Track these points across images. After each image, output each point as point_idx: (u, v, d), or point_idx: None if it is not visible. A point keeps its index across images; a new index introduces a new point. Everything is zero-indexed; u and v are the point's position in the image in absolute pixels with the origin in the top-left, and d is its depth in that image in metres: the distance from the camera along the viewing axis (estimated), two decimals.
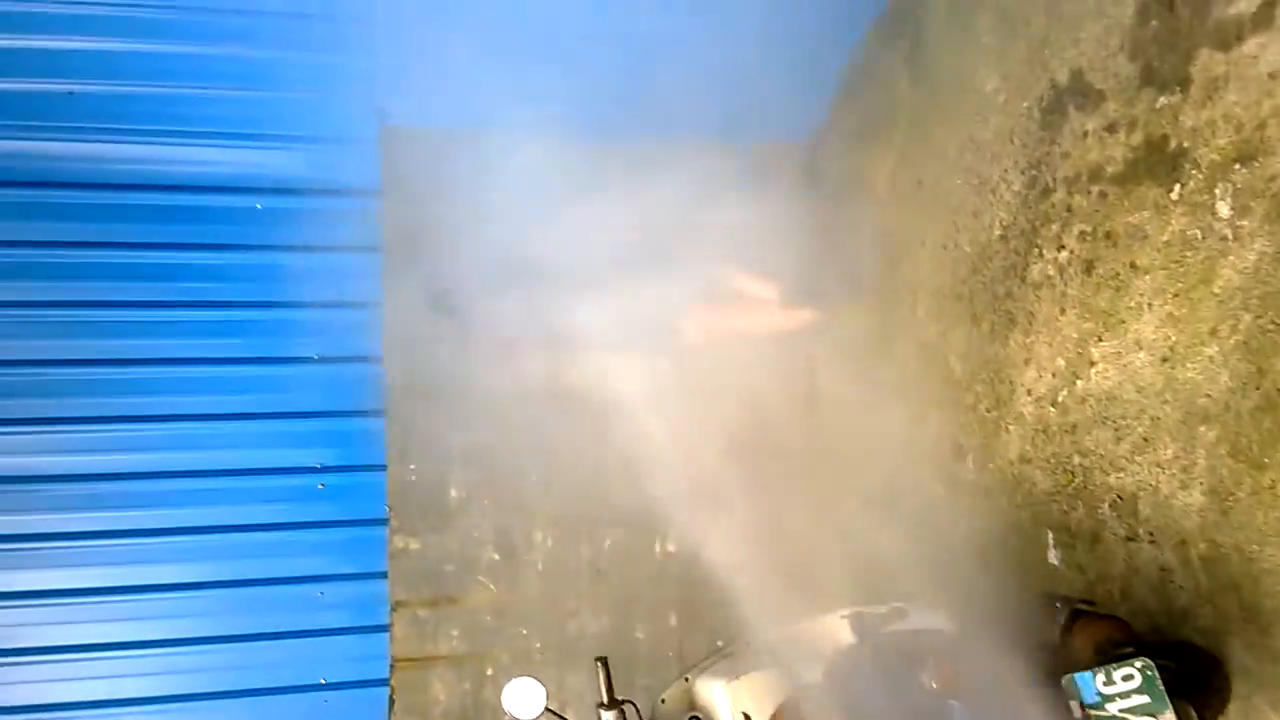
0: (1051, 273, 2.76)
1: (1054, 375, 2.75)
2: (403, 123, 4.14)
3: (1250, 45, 2.12)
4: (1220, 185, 2.18)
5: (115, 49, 3.59)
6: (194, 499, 4.02)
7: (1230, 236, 2.15)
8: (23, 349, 3.84)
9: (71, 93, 3.69)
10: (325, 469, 4.15)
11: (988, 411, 3.09)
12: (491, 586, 4.36)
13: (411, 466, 4.25)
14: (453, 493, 4.29)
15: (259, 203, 4.03)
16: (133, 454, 3.96)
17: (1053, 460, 2.76)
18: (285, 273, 4.05)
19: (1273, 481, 2.02)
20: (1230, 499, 2.14)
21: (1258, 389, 2.07)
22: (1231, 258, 2.15)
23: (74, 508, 3.91)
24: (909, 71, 3.54)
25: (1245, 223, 2.11)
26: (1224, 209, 2.17)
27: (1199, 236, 2.24)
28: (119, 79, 3.70)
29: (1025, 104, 2.89)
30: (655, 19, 3.71)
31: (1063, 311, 2.71)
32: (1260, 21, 2.11)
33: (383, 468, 4.18)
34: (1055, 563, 2.75)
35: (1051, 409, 2.77)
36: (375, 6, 3.56)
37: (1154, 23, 2.38)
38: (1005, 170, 2.99)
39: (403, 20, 3.63)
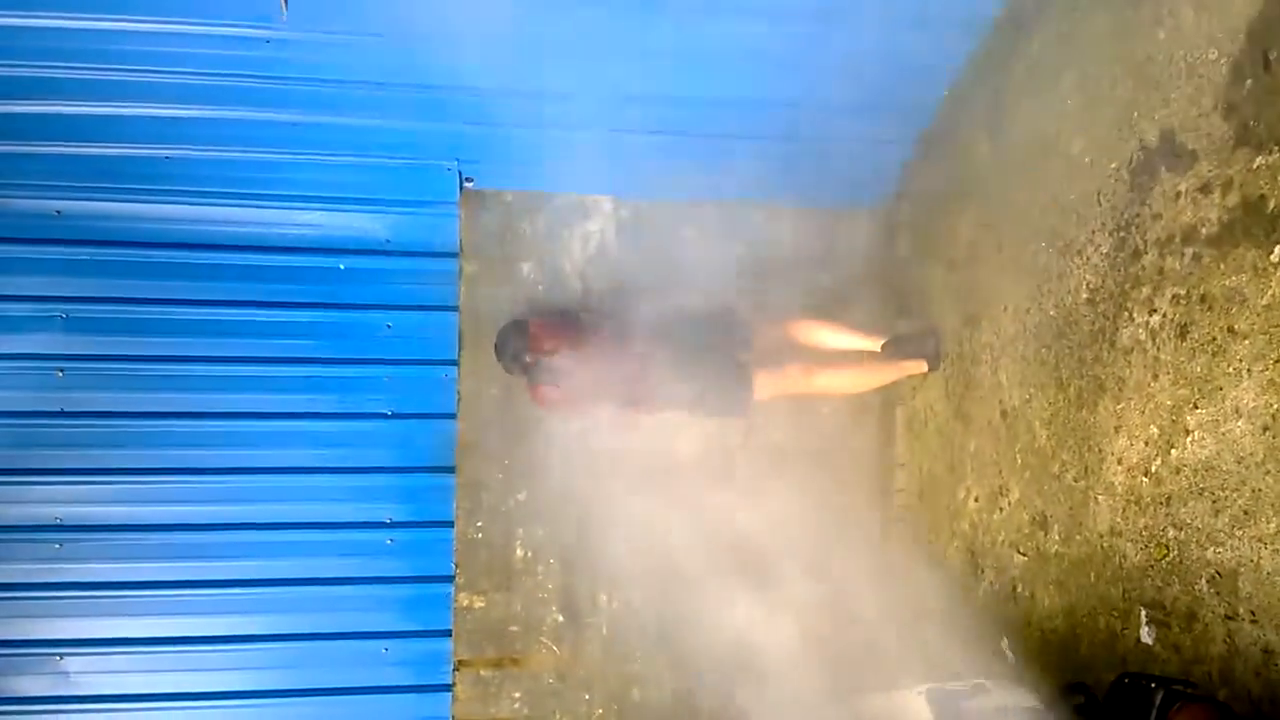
0: (1143, 337, 2.66)
1: (1146, 444, 2.64)
2: (483, 185, 4.23)
3: None
4: None
5: (210, 116, 3.73)
6: (264, 551, 4.07)
7: None
8: (109, 401, 3.96)
9: (169, 157, 3.85)
10: (394, 524, 4.16)
11: (1075, 481, 2.97)
12: (555, 649, 4.30)
13: (479, 524, 4.25)
14: (519, 551, 4.27)
15: (342, 263, 4.12)
16: (206, 505, 4.03)
17: (1145, 533, 2.63)
18: (364, 331, 4.14)
19: None
20: None
21: None
22: None
23: (146, 558, 3.99)
24: (989, 134, 3.50)
25: None
26: None
27: None
28: (211, 145, 3.84)
29: (1113, 165, 2.83)
30: (736, 83, 3.74)
31: (1155, 377, 2.61)
32: None
33: (450, 524, 4.18)
34: (1149, 641, 2.60)
35: (1144, 479, 2.64)
36: (459, 74, 3.65)
37: (1249, 81, 2.31)
38: (1092, 233, 2.92)
39: (486, 88, 3.72)
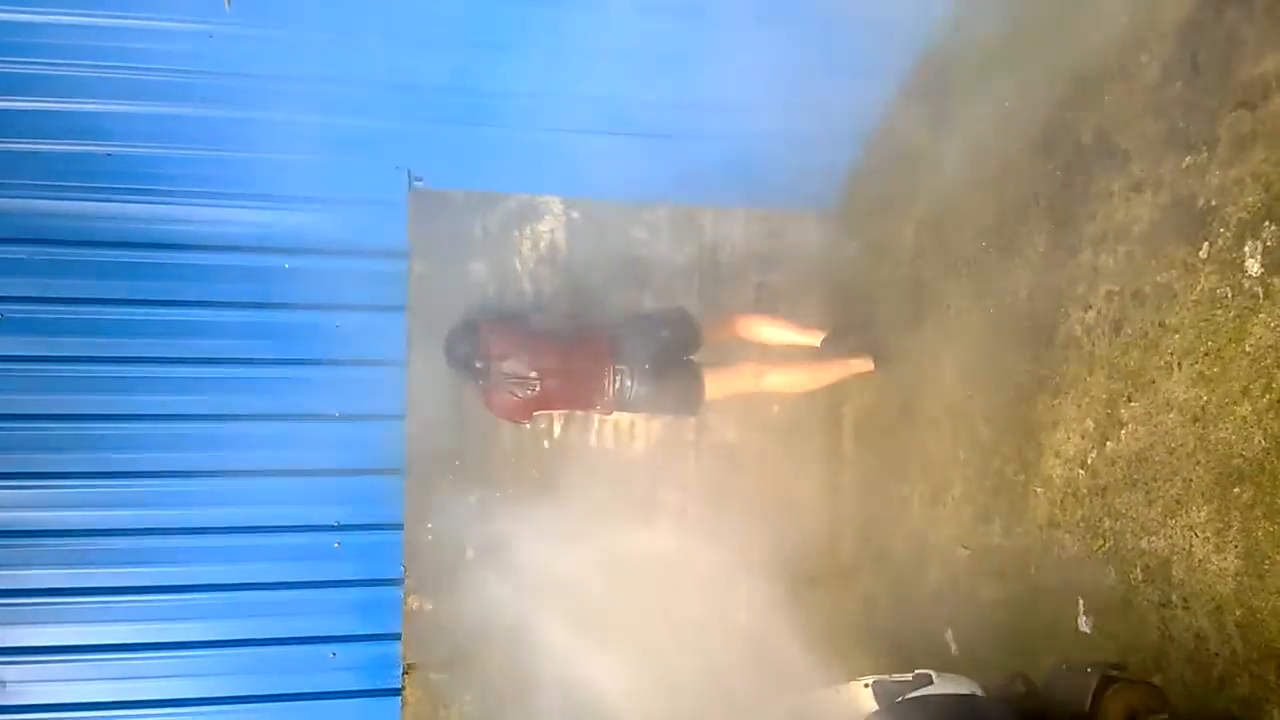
0: (1079, 333, 2.73)
1: (1083, 437, 2.70)
2: (431, 185, 4.21)
3: (1277, 103, 2.13)
4: (1250, 243, 2.16)
5: (151, 112, 3.65)
6: (208, 556, 3.99)
7: (1261, 294, 2.13)
8: (46, 404, 3.87)
9: (109, 154, 3.77)
10: (342, 527, 4.11)
11: (1015, 475, 3.04)
12: (506, 650, 4.28)
13: (429, 525, 4.21)
14: (469, 553, 4.24)
15: (288, 263, 4.07)
16: (148, 509, 3.94)
17: (1083, 524, 2.70)
18: (311, 331, 4.08)
19: None
20: (1266, 562, 2.08)
21: None
22: (1263, 315, 2.12)
23: (86, 563, 3.89)
24: (932, 135, 3.57)
25: (1276, 280, 2.09)
26: (1254, 266, 2.15)
27: (1229, 294, 2.21)
28: (154, 141, 3.76)
29: (1049, 166, 2.90)
30: (683, 85, 3.77)
31: (1091, 372, 2.67)
32: None
33: (399, 526, 4.15)
34: (1086, 630, 2.66)
35: (1081, 471, 2.71)
36: (407, 72, 3.63)
37: (1178, 84, 2.39)
38: (1030, 232, 2.99)
39: (434, 86, 3.70)
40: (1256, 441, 2.12)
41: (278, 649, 4.05)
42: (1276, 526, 2.06)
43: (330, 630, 4.09)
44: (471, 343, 3.86)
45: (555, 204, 4.38)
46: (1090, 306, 2.68)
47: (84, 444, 3.90)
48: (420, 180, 4.19)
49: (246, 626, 4.02)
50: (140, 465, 3.94)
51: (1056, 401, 2.83)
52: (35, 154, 3.71)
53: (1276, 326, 2.08)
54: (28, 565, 3.85)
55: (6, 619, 3.84)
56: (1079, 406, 2.72)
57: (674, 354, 3.87)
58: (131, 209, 3.89)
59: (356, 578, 4.14)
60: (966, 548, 3.31)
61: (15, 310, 3.83)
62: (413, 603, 4.20)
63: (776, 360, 4.02)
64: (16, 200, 3.78)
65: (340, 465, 4.11)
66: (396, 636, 4.15)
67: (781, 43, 3.57)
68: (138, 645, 3.94)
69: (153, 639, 3.95)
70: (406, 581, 4.17)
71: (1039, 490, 2.91)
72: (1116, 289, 2.58)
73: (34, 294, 3.85)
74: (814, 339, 4.03)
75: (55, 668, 3.88)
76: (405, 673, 4.17)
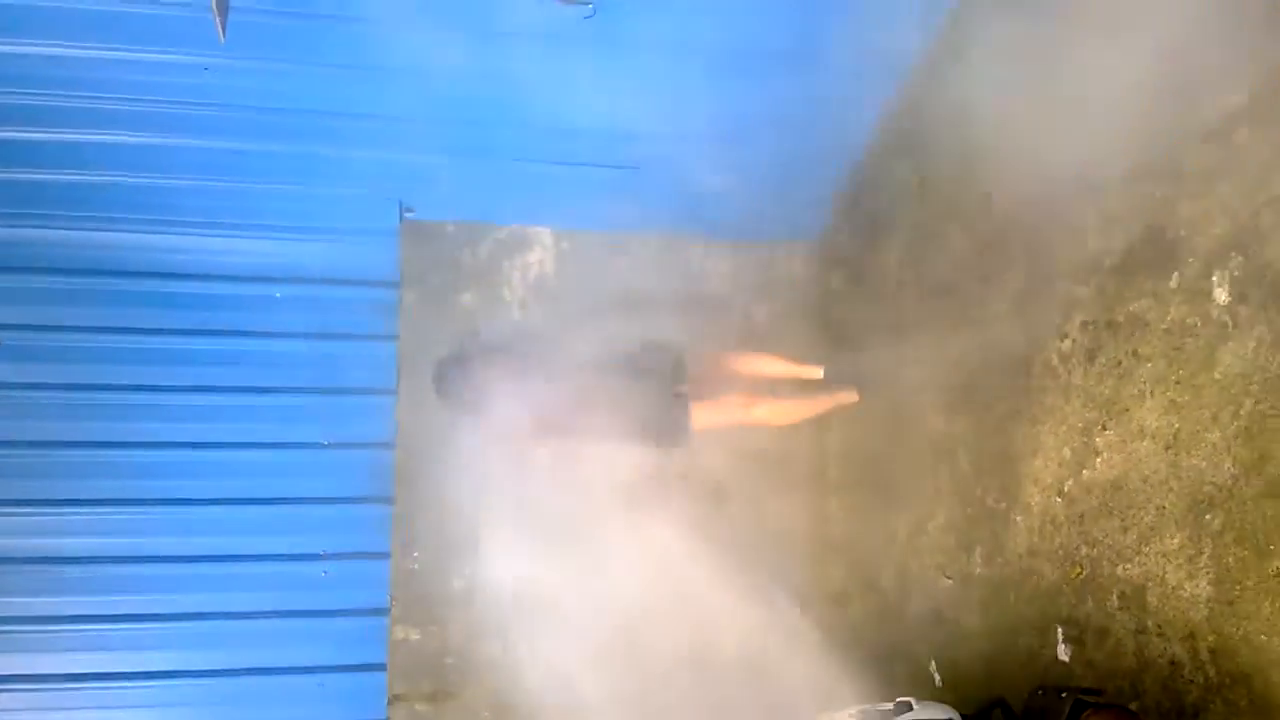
0: (1055, 362, 2.77)
1: (1060, 465, 2.73)
2: (423, 216, 4.26)
3: (1241, 136, 2.18)
4: (1217, 273, 2.21)
5: (147, 143, 3.71)
6: (196, 584, 3.99)
7: (1229, 323, 2.17)
8: (38, 430, 3.88)
9: (110, 184, 3.82)
10: (330, 556, 4.11)
11: (995, 503, 3.06)
12: (492, 681, 4.26)
13: (415, 555, 4.21)
14: (455, 583, 4.24)
15: (279, 291, 4.11)
16: (136, 537, 3.95)
17: (1060, 552, 2.72)
18: (301, 360, 4.11)
19: (1278, 570, 1.98)
20: (1237, 588, 2.10)
21: (1261, 475, 2.05)
22: (1231, 344, 2.16)
23: (74, 591, 3.89)
24: (915, 171, 3.63)
25: (1243, 309, 2.13)
26: (1222, 296, 2.19)
27: (1198, 324, 2.26)
28: (147, 172, 3.82)
29: (1025, 198, 2.95)
30: (672, 119, 3.82)
31: (1067, 400, 2.71)
32: (1250, 114, 2.17)
33: (386, 556, 4.15)
34: (1065, 658, 2.67)
35: (1058, 499, 2.74)
36: (401, 105, 3.69)
37: (1146, 117, 2.45)
38: (1008, 263, 3.04)
39: (426, 118, 3.76)
40: (1226, 468, 2.15)
41: (264, 678, 4.04)
42: (1246, 553, 2.09)
43: (317, 660, 4.07)
44: (461, 373, 3.88)
45: (545, 235, 4.43)
46: (1066, 336, 2.73)
47: (75, 471, 3.91)
48: (412, 211, 4.24)
49: (233, 656, 4.01)
50: (129, 492, 3.95)
51: (1035, 430, 2.86)
52: (33, 183, 3.76)
53: (1244, 354, 2.12)
54: (14, 593, 3.85)
55: None
56: (1056, 435, 2.76)
57: (662, 386, 3.90)
58: (124, 238, 3.95)
59: (343, 607, 4.14)
60: (949, 577, 3.33)
61: (12, 338, 3.86)
62: (399, 632, 4.19)
63: (763, 392, 4.05)
64: (13, 229, 3.84)
65: (329, 494, 4.12)
66: (382, 667, 4.13)
67: (767, 79, 3.64)
68: (125, 674, 3.93)
69: (139, 667, 3.94)
70: (393, 611, 4.16)
71: (1018, 518, 2.93)
72: (1090, 319, 2.62)
73: (31, 321, 3.88)
74: (814, 372, 4.05)
75: (41, 695, 3.85)
76: (391, 703, 4.15)
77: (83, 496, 3.92)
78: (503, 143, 3.93)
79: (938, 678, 3.37)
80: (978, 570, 3.15)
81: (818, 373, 4.04)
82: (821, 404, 4.06)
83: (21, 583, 3.85)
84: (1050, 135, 2.85)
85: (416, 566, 4.22)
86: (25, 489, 3.87)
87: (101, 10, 3.24)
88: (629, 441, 4.02)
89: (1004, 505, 3.01)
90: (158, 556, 3.97)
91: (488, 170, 4.06)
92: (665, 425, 3.89)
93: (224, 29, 3.23)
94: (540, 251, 4.44)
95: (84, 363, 3.93)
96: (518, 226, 4.42)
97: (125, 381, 3.96)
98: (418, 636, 4.22)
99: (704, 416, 3.93)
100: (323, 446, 4.13)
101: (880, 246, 3.94)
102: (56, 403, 3.90)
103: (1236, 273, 2.16)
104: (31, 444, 3.88)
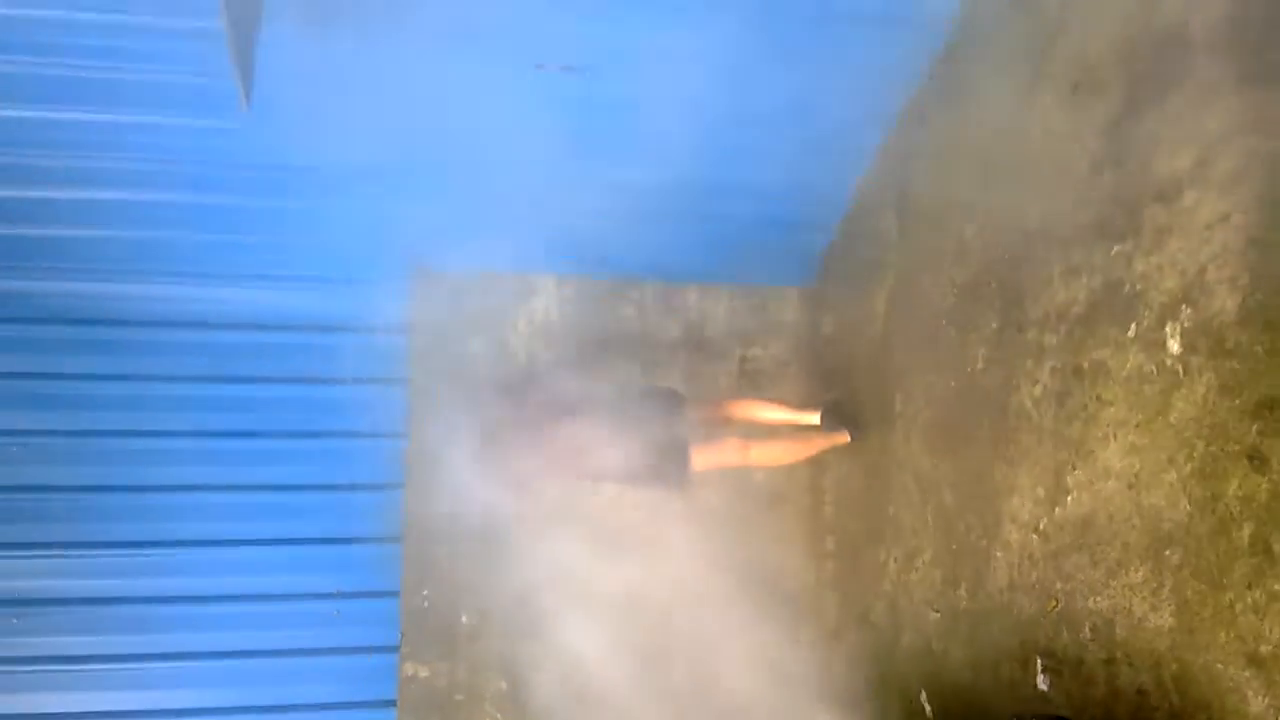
0: (1029, 405, 2.92)
1: (1035, 503, 2.88)
2: (432, 265, 4.43)
3: (1188, 198, 2.35)
4: (1170, 324, 2.37)
5: (165, 200, 3.91)
6: (209, 623, 4.15)
7: (1181, 371, 2.32)
8: (59, 475, 4.08)
9: (126, 239, 4.01)
10: (342, 595, 4.25)
11: (978, 540, 3.20)
12: (499, 717, 4.38)
13: (425, 592, 4.35)
14: (464, 619, 4.37)
15: (292, 338, 4.28)
16: (150, 578, 4.12)
17: (1037, 586, 2.86)
18: (313, 404, 4.28)
19: (1231, 601, 2.12)
20: (1196, 619, 2.23)
21: (1213, 513, 2.20)
22: (1183, 390, 2.31)
23: (88, 631, 4.05)
24: (898, 219, 3.81)
25: (1194, 358, 2.29)
26: (1174, 346, 2.35)
27: (1154, 371, 2.41)
28: (160, 226, 4.01)
29: (999, 249, 3.12)
30: (671, 169, 3.98)
31: (1040, 442, 2.86)
32: (1195, 177, 2.34)
33: (396, 594, 4.28)
34: (1044, 688, 2.80)
35: (1035, 536, 2.88)
36: (409, 157, 3.86)
37: (1105, 176, 2.62)
38: (985, 309, 3.20)
39: (436, 172, 3.94)
40: (1182, 507, 2.29)
41: (278, 715, 4.16)
42: (1203, 586, 2.22)
43: (328, 698, 4.20)
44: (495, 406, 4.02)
45: (549, 282, 4.60)
46: (1038, 380, 2.88)
47: (90, 514, 4.08)
48: (422, 260, 4.40)
49: (247, 693, 4.15)
50: (144, 535, 4.12)
51: (1012, 470, 3.01)
52: (63, 239, 3.97)
53: (1195, 400, 2.27)
54: (29, 633, 4.00)
55: (8, 686, 3.98)
56: (1031, 475, 2.90)
57: (662, 429, 4.04)
58: (140, 289, 4.15)
59: (355, 645, 4.27)
60: (937, 611, 3.45)
61: (33, 386, 4.05)
62: (408, 669, 4.31)
63: (761, 435, 4.20)
64: (40, 282, 4.04)
65: (341, 534, 4.27)
66: (392, 703, 4.25)
67: (757, 136, 3.84)
68: (139, 712, 4.07)
69: (153, 706, 4.08)
70: (402, 648, 4.29)
71: (999, 554, 3.07)
72: (1059, 365, 2.78)
73: (52, 370, 4.07)
74: (811, 417, 4.19)
75: None
76: None
77: (99, 539, 4.09)
78: (508, 194, 4.08)
79: (928, 708, 3.49)
80: (963, 604, 3.28)
81: (813, 418, 4.18)
82: (816, 445, 4.20)
83: (38, 624, 4.01)
84: (1020, 190, 3.03)
85: (426, 604, 4.35)
86: (38, 532, 4.04)
87: (111, 80, 3.45)
88: (632, 482, 4.16)
89: (985, 542, 3.15)
90: (172, 597, 4.13)
91: (495, 221, 4.22)
92: (666, 468, 4.02)
93: (247, 97, 3.44)
94: (545, 298, 4.60)
95: (100, 410, 4.11)
96: (523, 274, 4.58)
97: (140, 428, 4.14)
98: (426, 673, 4.34)
99: (703, 459, 4.07)
100: (335, 488, 4.27)
101: (867, 292, 4.11)
102: (74, 449, 4.08)
103: (1187, 324, 2.32)
104: (48, 489, 4.07)
